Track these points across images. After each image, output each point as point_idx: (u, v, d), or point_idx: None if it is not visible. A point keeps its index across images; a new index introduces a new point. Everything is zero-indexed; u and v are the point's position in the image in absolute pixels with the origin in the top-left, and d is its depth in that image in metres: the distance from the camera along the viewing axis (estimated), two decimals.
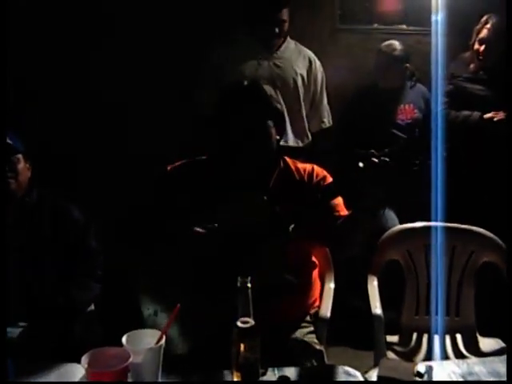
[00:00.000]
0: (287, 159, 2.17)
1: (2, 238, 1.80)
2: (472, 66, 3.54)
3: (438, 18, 3.18)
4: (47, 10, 3.37)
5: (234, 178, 2.04)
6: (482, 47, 3.44)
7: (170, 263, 1.94)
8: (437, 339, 2.55)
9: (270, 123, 2.04)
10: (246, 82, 2.07)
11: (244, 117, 1.99)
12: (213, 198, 1.97)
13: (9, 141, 2.25)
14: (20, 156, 2.30)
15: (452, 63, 3.51)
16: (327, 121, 3.56)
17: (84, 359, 1.52)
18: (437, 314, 2.56)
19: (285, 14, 3.30)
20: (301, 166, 2.17)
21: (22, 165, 2.30)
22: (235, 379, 1.59)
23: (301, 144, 3.44)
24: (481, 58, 3.46)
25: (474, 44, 3.50)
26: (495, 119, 3.38)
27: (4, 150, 2.23)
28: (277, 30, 3.29)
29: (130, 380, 1.57)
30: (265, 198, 1.95)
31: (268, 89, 2.08)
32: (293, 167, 2.15)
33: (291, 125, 3.37)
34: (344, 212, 2.04)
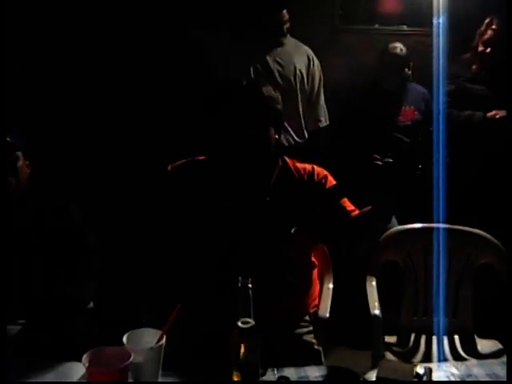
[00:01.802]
0: (286, 159, 2.16)
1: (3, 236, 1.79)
2: (474, 67, 3.55)
3: (440, 19, 3.18)
4: (50, 7, 3.36)
5: (235, 179, 2.04)
6: (488, 49, 3.45)
7: (171, 263, 1.94)
8: (435, 340, 2.56)
9: (269, 124, 2.04)
10: (244, 83, 2.05)
11: (243, 119, 1.98)
12: (214, 199, 1.97)
13: (7, 138, 2.25)
14: (20, 154, 2.29)
15: (454, 64, 3.52)
16: (324, 120, 3.56)
17: (85, 358, 1.52)
18: (435, 315, 2.57)
19: (284, 16, 3.32)
20: (300, 165, 2.16)
21: (21, 162, 2.29)
22: (235, 379, 1.59)
23: (298, 140, 3.44)
24: (486, 59, 3.48)
25: (477, 45, 3.51)
26: (497, 116, 3.40)
27: (3, 148, 2.23)
28: (277, 30, 3.31)
29: (130, 379, 1.57)
30: (267, 199, 1.95)
31: (267, 90, 2.05)
32: (292, 166, 2.14)
33: (289, 123, 3.37)
34: (351, 208, 2.04)
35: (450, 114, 3.40)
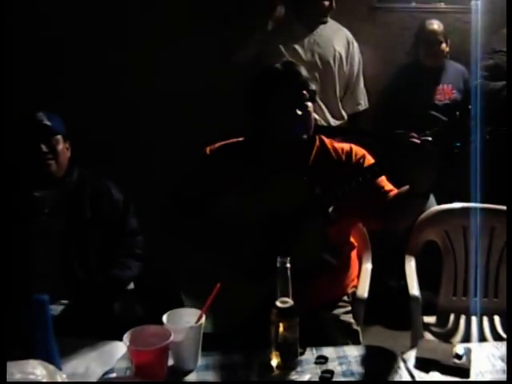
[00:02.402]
0: (324, 138, 2.16)
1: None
2: None
3: None
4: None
5: (273, 159, 2.05)
6: None
7: (210, 243, 1.96)
8: (474, 320, 2.54)
9: (307, 102, 2.04)
10: (280, 65, 2.05)
11: (281, 100, 1.99)
12: (252, 180, 1.98)
13: (48, 122, 2.29)
14: (59, 137, 2.33)
15: (493, 38, 3.45)
16: (363, 103, 3.54)
17: (126, 337, 1.54)
18: (475, 295, 2.55)
19: None
20: (338, 145, 2.15)
21: (61, 146, 2.33)
22: (274, 358, 1.60)
23: (337, 123, 3.42)
24: None
25: None
26: None
27: (43, 131, 2.27)
28: (326, 3, 3.27)
29: (170, 358, 1.60)
30: (304, 179, 1.95)
31: (301, 70, 2.06)
32: (330, 146, 2.14)
33: (326, 104, 3.36)
34: (389, 187, 2.03)
35: (485, 86, 3.35)
